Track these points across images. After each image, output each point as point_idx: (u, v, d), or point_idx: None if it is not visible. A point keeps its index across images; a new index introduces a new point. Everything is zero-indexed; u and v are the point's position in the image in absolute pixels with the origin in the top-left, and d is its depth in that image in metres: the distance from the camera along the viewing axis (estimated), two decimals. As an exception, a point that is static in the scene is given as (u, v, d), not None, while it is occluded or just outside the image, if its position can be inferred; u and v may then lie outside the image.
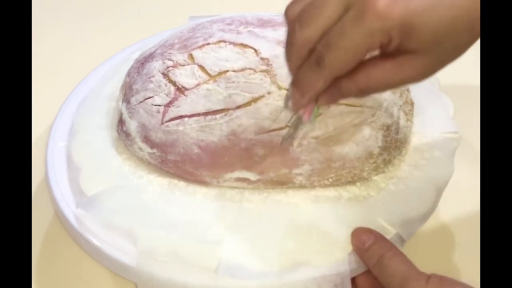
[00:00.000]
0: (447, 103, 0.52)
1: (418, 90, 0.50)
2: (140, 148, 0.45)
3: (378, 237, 0.38)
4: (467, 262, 0.45)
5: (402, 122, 0.45)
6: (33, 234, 0.46)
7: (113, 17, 0.76)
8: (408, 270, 0.35)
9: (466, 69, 0.53)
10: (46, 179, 0.47)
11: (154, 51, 0.49)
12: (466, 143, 0.49)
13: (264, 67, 0.43)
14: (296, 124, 0.40)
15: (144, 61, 0.49)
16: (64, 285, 0.44)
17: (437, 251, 0.46)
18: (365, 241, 0.38)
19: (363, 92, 0.32)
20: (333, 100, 0.33)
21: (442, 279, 0.34)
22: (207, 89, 0.43)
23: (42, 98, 0.57)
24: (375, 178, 0.44)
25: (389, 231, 0.40)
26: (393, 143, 0.44)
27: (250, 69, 0.43)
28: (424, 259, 0.38)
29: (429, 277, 0.34)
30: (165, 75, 0.45)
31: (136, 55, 0.53)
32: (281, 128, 0.41)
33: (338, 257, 0.39)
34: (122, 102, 0.48)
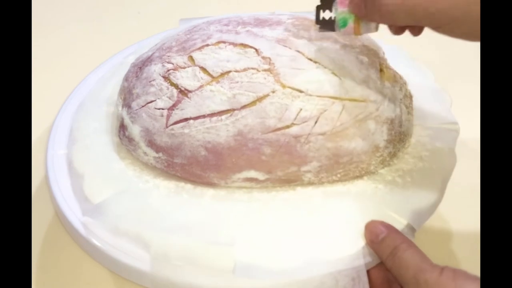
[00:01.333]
0: (444, 95, 0.53)
1: (414, 84, 0.50)
2: (144, 153, 0.45)
3: (391, 230, 0.39)
4: (468, 257, 0.46)
5: (404, 115, 0.45)
6: (33, 235, 0.46)
7: (112, 18, 0.75)
8: (422, 263, 0.35)
9: (466, 65, 0.54)
10: (47, 186, 0.47)
11: (152, 55, 0.49)
12: (465, 138, 0.50)
13: (266, 66, 0.43)
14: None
15: (141, 65, 0.48)
16: (64, 285, 0.44)
17: (437, 247, 0.47)
18: (378, 234, 0.39)
19: (383, 13, 0.37)
20: (360, 10, 0.39)
21: (455, 272, 0.34)
22: (211, 90, 0.43)
23: (42, 99, 0.57)
24: (381, 171, 0.45)
25: (400, 222, 0.41)
26: (397, 136, 0.44)
27: (252, 68, 0.43)
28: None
29: (442, 269, 0.34)
30: (166, 78, 0.45)
31: (132, 58, 0.52)
32: (287, 127, 0.42)
33: (353, 251, 0.39)
34: (122, 107, 0.47)
